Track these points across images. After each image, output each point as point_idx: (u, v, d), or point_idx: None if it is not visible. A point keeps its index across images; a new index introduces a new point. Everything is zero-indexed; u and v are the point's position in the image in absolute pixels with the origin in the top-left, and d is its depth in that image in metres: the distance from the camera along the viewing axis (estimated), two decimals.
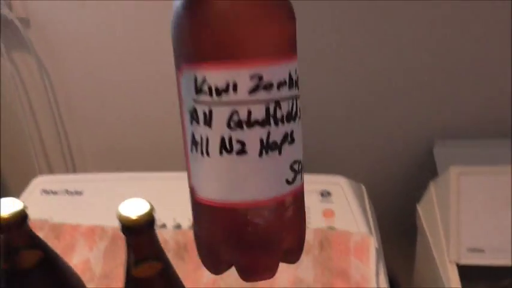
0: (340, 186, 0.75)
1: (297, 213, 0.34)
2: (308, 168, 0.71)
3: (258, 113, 0.30)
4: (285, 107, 0.31)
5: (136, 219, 0.38)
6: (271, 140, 0.31)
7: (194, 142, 0.32)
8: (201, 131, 0.31)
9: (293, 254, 0.35)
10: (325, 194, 0.73)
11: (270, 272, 0.33)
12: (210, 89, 0.30)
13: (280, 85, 0.30)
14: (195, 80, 0.30)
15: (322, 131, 0.97)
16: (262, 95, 0.30)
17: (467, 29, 0.85)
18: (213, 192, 0.32)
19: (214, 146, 0.31)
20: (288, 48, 0.31)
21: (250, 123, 0.30)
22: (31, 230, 0.42)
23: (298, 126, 0.33)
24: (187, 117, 0.32)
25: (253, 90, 0.29)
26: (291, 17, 0.31)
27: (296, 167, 0.33)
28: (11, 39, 0.96)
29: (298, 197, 0.34)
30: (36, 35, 0.96)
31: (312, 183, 0.75)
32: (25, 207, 0.40)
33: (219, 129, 0.30)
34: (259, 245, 0.33)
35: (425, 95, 0.92)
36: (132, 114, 1.01)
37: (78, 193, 0.81)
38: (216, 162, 0.31)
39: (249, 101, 0.30)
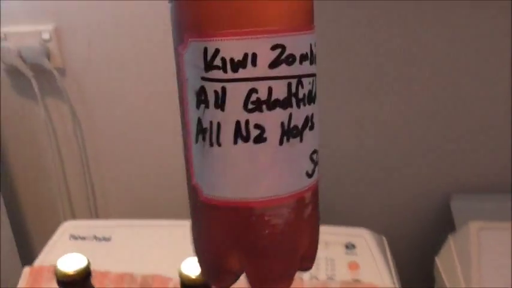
0: (364, 239, 0.76)
1: (315, 211, 0.30)
2: (333, 220, 0.73)
3: (280, 91, 0.26)
4: (307, 86, 0.27)
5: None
6: (292, 124, 0.26)
7: (201, 130, 0.27)
8: (211, 115, 0.26)
9: (308, 260, 0.31)
10: (350, 247, 0.75)
11: (288, 280, 0.29)
12: (224, 62, 0.25)
13: (302, 58, 0.26)
14: (205, 53, 0.25)
15: (345, 185, 0.99)
16: (284, 69, 0.26)
17: (485, 84, 0.88)
18: (225, 190, 0.27)
19: (227, 133, 0.26)
20: (309, 18, 0.27)
21: (271, 104, 0.26)
22: (93, 286, 0.43)
23: (317, 110, 0.29)
24: (191, 100, 0.27)
25: (275, 63, 0.25)
26: None
27: (315, 157, 0.29)
28: (46, 87, 0.99)
29: (316, 192, 0.30)
30: (71, 84, 0.99)
31: (337, 235, 0.77)
32: (89, 263, 0.42)
33: (233, 112, 0.26)
34: (278, 250, 0.28)
35: (442, 150, 0.94)
36: (157, 164, 1.04)
37: (107, 239, 0.82)
38: (229, 152, 0.26)
39: (269, 76, 0.25)
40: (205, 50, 0.25)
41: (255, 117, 0.26)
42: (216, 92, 0.26)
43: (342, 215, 1.01)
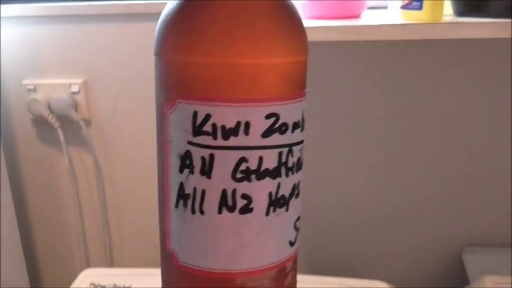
0: None
1: (294, 279, 0.29)
2: (348, 273, 0.75)
3: (270, 161, 0.25)
4: (296, 153, 0.26)
5: None
6: (280, 193, 0.25)
7: (183, 196, 0.25)
8: (196, 182, 0.25)
9: None
10: None
11: None
12: (215, 128, 0.24)
13: (294, 126, 0.25)
14: (195, 117, 0.24)
15: (359, 238, 1.00)
16: (276, 138, 0.25)
17: (498, 138, 0.90)
18: (205, 260, 0.26)
19: (212, 201, 0.25)
20: (303, 84, 0.26)
21: (260, 174, 0.24)
22: None
23: (302, 177, 0.28)
24: (174, 163, 0.25)
25: (268, 132, 0.24)
26: (305, 50, 0.26)
27: (298, 224, 0.28)
28: (71, 137, 1.03)
29: (296, 260, 0.29)
30: (95, 135, 1.02)
31: None
32: None
33: (220, 180, 0.24)
34: None
35: (455, 204, 0.95)
36: None
37: None
38: (212, 222, 0.25)
39: (261, 145, 0.24)
40: (195, 113, 0.24)
41: (242, 187, 0.24)
42: (203, 158, 0.24)
43: (356, 267, 1.02)
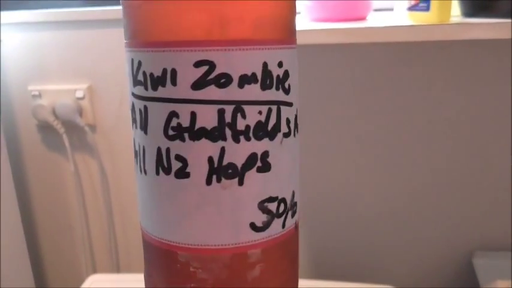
0: None
1: (268, 276, 0.23)
2: (358, 277, 0.74)
3: (206, 119, 0.21)
4: (253, 115, 0.21)
5: None
6: (225, 161, 0.21)
7: (135, 153, 0.23)
8: (138, 137, 0.23)
9: None
10: None
11: None
12: (145, 77, 0.21)
13: (243, 80, 0.21)
14: (132, 64, 0.22)
15: (370, 242, 0.99)
16: (212, 92, 0.21)
17: (507, 143, 0.89)
18: (151, 226, 0.23)
19: (150, 160, 0.22)
20: (261, 29, 0.21)
21: (195, 133, 0.21)
22: None
23: (283, 148, 0.23)
24: (130, 118, 0.24)
25: (199, 83, 0.20)
26: None
27: (273, 207, 0.22)
28: (77, 143, 1.03)
29: (274, 252, 0.23)
30: (100, 140, 1.02)
31: None
32: None
33: (155, 137, 0.22)
34: None
35: (465, 208, 0.94)
36: None
37: None
38: (152, 183, 0.22)
39: (192, 99, 0.21)
40: (132, 61, 0.22)
41: (176, 147, 0.21)
42: (140, 110, 0.22)
43: (365, 272, 1.01)
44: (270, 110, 0.22)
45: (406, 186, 0.95)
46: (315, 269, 1.03)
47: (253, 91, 0.21)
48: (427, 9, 0.57)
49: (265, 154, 0.22)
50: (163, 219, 0.22)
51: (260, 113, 0.21)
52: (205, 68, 0.20)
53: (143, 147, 0.22)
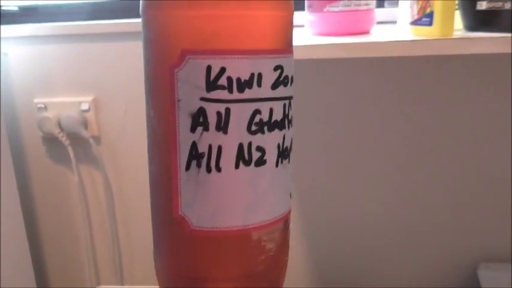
0: None
1: (288, 235, 0.29)
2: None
3: (278, 112, 0.25)
4: (292, 107, 0.27)
5: None
6: (285, 145, 0.26)
7: (196, 156, 0.25)
8: (211, 138, 0.24)
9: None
10: None
11: None
12: (230, 81, 0.24)
13: (291, 80, 0.26)
14: (208, 72, 0.24)
15: (373, 253, 0.99)
16: (281, 90, 0.25)
17: (510, 158, 0.91)
18: (222, 219, 0.25)
19: (229, 156, 0.24)
20: (292, 40, 0.27)
21: (271, 125, 0.25)
22: None
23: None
24: (184, 123, 0.25)
25: (276, 84, 0.25)
26: (292, 7, 0.27)
27: (291, 179, 0.28)
28: (81, 154, 1.03)
29: (288, 224, 0.29)
30: (105, 151, 1.03)
31: None
32: None
33: (237, 134, 0.24)
34: (270, 275, 0.27)
35: (470, 220, 0.95)
36: None
37: None
38: (229, 178, 0.25)
39: (271, 97, 0.25)
40: (209, 68, 0.24)
41: (257, 139, 0.25)
42: (218, 113, 0.24)
43: (370, 283, 1.01)
44: (291, 103, 0.27)
45: (411, 198, 0.95)
46: (317, 277, 1.03)
47: (293, 88, 0.26)
48: (430, 23, 0.57)
49: (292, 139, 0.27)
50: (241, 208, 0.25)
51: (291, 105, 0.27)
52: (279, 71, 0.25)
53: (219, 146, 0.24)
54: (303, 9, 0.69)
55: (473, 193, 0.93)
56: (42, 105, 1.00)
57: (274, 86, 0.25)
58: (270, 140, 0.25)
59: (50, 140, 1.04)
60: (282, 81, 0.25)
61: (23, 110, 1.03)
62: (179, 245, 0.26)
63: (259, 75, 0.24)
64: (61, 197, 1.09)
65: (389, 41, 0.57)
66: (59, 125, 1.00)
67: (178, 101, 0.25)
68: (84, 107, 0.99)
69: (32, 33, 0.98)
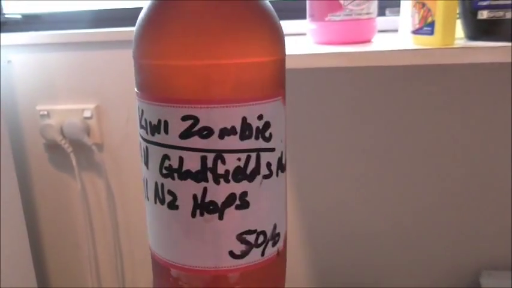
0: None
1: None
2: None
3: (191, 163, 0.24)
4: (232, 162, 0.24)
5: None
6: (207, 199, 0.24)
7: (144, 183, 0.28)
8: (144, 170, 0.27)
9: None
10: None
11: None
12: (146, 123, 0.26)
13: (223, 133, 0.24)
14: (139, 111, 0.27)
15: (375, 261, 0.99)
16: (197, 141, 0.24)
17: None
18: (153, 243, 0.28)
19: (150, 190, 0.26)
20: (242, 89, 0.24)
21: (182, 174, 0.24)
22: None
23: (262, 188, 0.25)
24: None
25: (186, 133, 0.24)
26: (241, 53, 0.24)
27: (251, 239, 0.25)
28: (84, 161, 1.03)
29: (255, 277, 0.26)
30: (108, 158, 1.03)
31: None
32: None
33: (153, 173, 0.26)
34: None
35: (472, 227, 0.95)
36: None
37: None
38: (153, 210, 0.27)
39: (180, 146, 0.24)
40: (139, 108, 0.26)
41: (168, 183, 0.25)
42: (144, 149, 0.27)
43: None
44: (248, 157, 0.24)
45: (413, 206, 0.95)
46: (318, 279, 1.02)
47: (232, 141, 0.24)
48: (432, 33, 0.57)
49: (244, 194, 0.25)
50: (161, 240, 0.26)
51: (239, 159, 0.24)
52: (190, 121, 0.24)
53: (146, 179, 0.26)
54: (304, 17, 0.69)
55: (477, 201, 0.93)
56: (45, 112, 1.01)
57: (184, 136, 0.24)
58: (182, 188, 0.25)
59: (52, 147, 1.04)
60: (195, 132, 0.24)
61: (26, 117, 1.03)
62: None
63: (165, 123, 0.24)
64: (63, 204, 1.09)
65: (391, 50, 0.57)
66: (62, 132, 1.01)
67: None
68: (87, 114, 1.00)
69: (35, 41, 0.98)
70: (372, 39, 0.69)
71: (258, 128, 0.24)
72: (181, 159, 0.24)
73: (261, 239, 0.26)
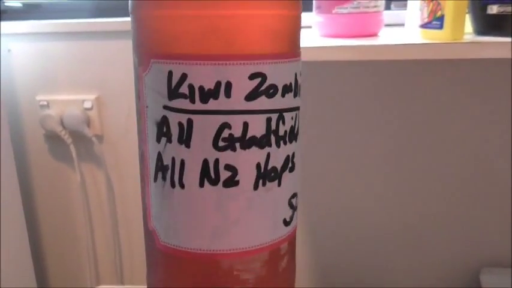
0: None
1: (291, 263, 0.25)
2: None
3: (257, 128, 0.22)
4: (289, 121, 0.23)
5: None
6: (270, 165, 0.22)
7: (161, 167, 0.23)
8: (174, 151, 0.22)
9: None
10: None
11: None
12: (192, 90, 0.21)
13: (285, 90, 0.22)
14: (170, 77, 0.21)
15: (376, 257, 0.99)
16: (263, 102, 0.21)
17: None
18: (186, 239, 0.22)
19: (192, 173, 0.22)
20: (294, 44, 0.23)
21: (246, 142, 0.21)
22: None
23: (298, 147, 0.24)
24: (151, 131, 0.23)
25: (253, 94, 0.21)
26: (295, 5, 0.23)
27: (294, 201, 0.24)
28: (84, 153, 1.03)
29: (293, 241, 0.25)
30: (108, 150, 1.02)
31: None
32: None
33: (201, 150, 0.21)
34: None
35: (472, 224, 0.95)
36: None
37: None
38: (193, 196, 0.22)
39: (246, 109, 0.21)
40: (170, 73, 0.21)
41: (226, 157, 0.21)
42: (180, 124, 0.21)
43: (373, 286, 1.00)
44: (296, 115, 0.24)
45: (415, 203, 0.95)
46: (319, 278, 1.02)
47: (289, 99, 0.23)
48: (441, 27, 0.57)
49: (293, 155, 0.24)
50: (206, 231, 0.22)
51: (292, 118, 0.23)
52: (258, 80, 0.21)
53: (181, 160, 0.22)
54: (311, 10, 0.69)
55: (477, 198, 0.93)
56: (45, 103, 1.00)
57: (250, 97, 0.21)
58: (245, 159, 0.22)
59: (52, 138, 1.03)
60: (263, 91, 0.21)
61: (26, 107, 1.02)
62: (151, 257, 0.25)
63: (228, 84, 0.21)
64: (62, 195, 1.08)
65: (399, 44, 0.56)
66: (62, 123, 1.00)
67: (146, 107, 0.23)
68: (87, 105, 0.99)
69: (35, 30, 0.97)
70: (379, 33, 0.68)
71: (300, 85, 0.24)
72: (245, 125, 0.21)
73: (297, 202, 0.25)
